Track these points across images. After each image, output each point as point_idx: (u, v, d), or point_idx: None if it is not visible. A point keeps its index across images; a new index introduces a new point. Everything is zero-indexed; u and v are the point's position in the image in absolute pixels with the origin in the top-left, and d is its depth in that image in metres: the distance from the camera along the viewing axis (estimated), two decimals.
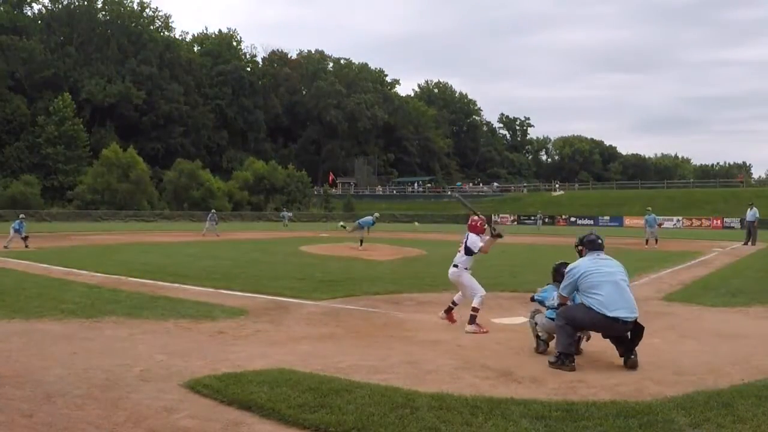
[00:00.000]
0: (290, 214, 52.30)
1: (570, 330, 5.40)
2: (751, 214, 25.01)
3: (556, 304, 5.90)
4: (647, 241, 23.25)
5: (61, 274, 12.17)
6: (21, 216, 21.35)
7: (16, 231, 19.55)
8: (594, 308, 5.33)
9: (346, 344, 6.27)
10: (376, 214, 24.61)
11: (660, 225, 24.10)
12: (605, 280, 5.43)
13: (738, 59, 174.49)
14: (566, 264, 5.94)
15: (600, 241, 5.83)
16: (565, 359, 5.26)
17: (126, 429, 3.69)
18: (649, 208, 26.58)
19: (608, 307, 5.29)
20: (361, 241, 20.96)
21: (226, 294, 9.64)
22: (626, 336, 5.41)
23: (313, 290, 10.04)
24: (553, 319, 5.80)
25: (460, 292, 7.56)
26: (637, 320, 5.41)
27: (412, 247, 21.98)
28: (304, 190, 68.41)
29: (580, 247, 5.94)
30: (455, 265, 7.46)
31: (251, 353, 5.72)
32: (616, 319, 5.29)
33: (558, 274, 6.03)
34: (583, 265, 5.60)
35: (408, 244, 23.23)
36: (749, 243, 24.29)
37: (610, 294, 5.35)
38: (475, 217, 7.62)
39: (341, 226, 27.24)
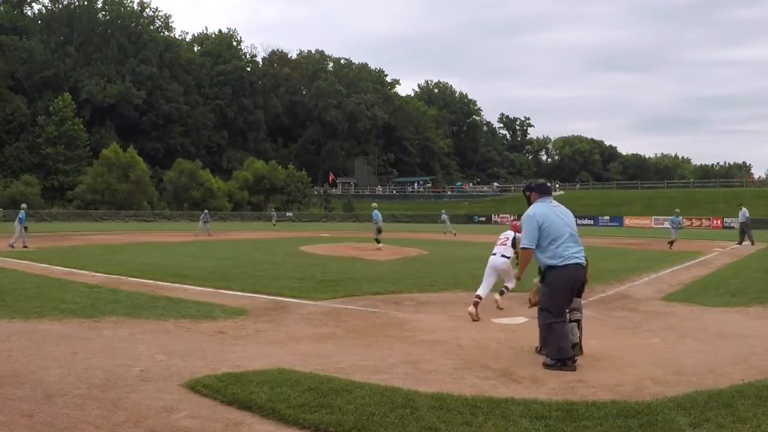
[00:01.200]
0: (290, 213, 52.37)
1: (560, 326, 5.29)
2: (741, 214, 25.46)
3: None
4: (672, 242, 23.02)
5: (61, 274, 12.16)
6: (23, 206, 21.35)
7: (20, 221, 19.31)
8: (554, 264, 5.37)
9: (346, 344, 6.26)
10: (374, 204, 23.28)
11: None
12: (563, 232, 5.45)
13: (738, 59, 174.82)
14: None
15: (549, 185, 5.93)
16: (567, 361, 5.18)
17: (126, 429, 3.69)
18: (677, 210, 27.23)
19: (567, 257, 5.37)
20: (377, 240, 20.91)
21: (226, 294, 9.63)
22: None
23: (313, 290, 10.04)
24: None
25: (485, 284, 8.02)
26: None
27: (412, 247, 21.98)
28: (304, 190, 68.48)
29: (528, 193, 5.86)
30: (505, 256, 8.10)
31: (251, 353, 5.71)
32: (573, 266, 5.37)
33: None
34: (539, 210, 5.57)
35: (408, 244, 23.22)
36: (743, 243, 24.49)
37: (567, 245, 5.41)
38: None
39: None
